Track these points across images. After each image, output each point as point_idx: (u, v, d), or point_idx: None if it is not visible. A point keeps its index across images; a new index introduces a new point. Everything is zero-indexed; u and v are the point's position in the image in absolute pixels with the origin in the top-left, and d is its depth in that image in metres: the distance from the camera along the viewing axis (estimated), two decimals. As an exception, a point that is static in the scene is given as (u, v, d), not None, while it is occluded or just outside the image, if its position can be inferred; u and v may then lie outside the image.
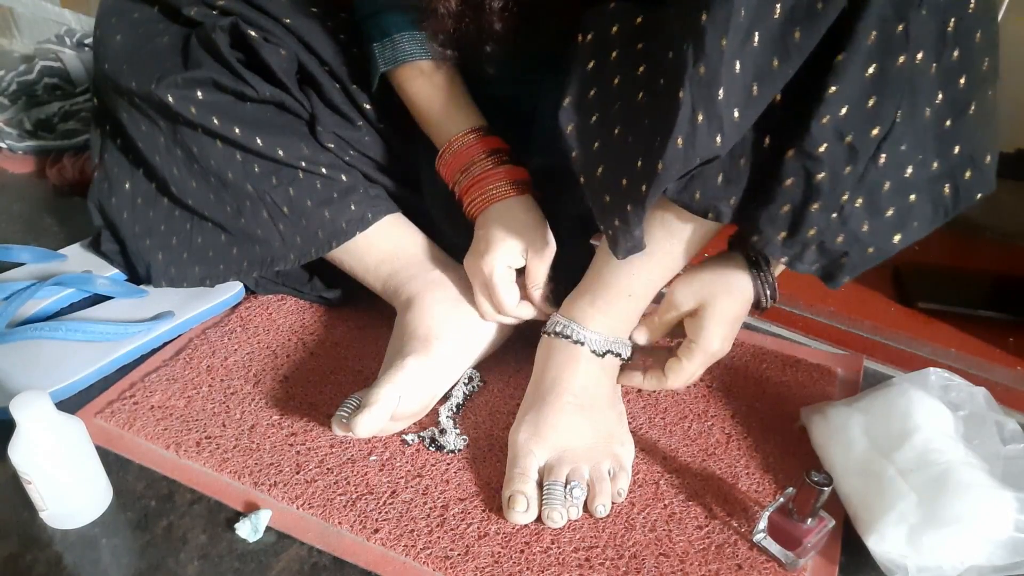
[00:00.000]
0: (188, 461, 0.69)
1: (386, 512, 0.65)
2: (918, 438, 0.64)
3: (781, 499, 0.64)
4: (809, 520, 0.61)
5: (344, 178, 0.81)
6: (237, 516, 0.65)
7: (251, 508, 0.65)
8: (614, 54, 0.61)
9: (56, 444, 0.60)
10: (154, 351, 0.82)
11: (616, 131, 0.60)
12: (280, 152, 0.78)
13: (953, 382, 0.69)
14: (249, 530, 0.63)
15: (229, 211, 0.81)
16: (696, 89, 0.53)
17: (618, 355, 0.71)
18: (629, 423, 0.75)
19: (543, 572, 0.62)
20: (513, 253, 0.74)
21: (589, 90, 0.62)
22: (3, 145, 1.12)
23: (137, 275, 0.88)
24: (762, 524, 0.64)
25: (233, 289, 0.88)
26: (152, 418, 0.73)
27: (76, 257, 0.92)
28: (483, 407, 0.76)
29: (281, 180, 0.79)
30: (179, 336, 0.84)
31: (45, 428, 0.59)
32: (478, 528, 0.65)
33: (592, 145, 0.62)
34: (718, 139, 0.54)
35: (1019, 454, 0.64)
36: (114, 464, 0.68)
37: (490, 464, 0.70)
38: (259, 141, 0.77)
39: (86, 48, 1.23)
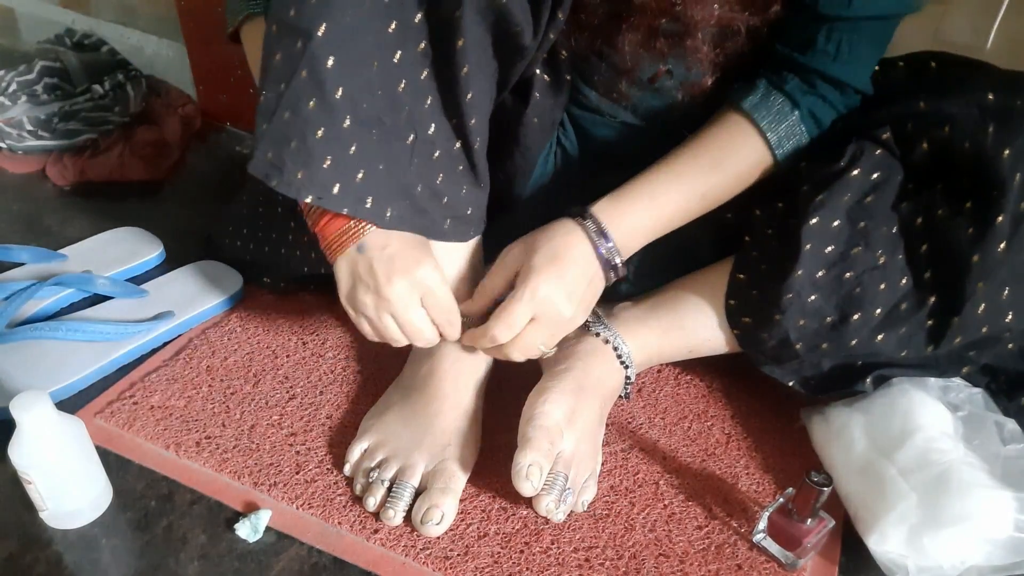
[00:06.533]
0: (188, 461, 0.69)
1: (386, 512, 0.65)
2: (918, 438, 0.64)
3: (781, 499, 0.64)
4: (809, 520, 0.61)
5: None
6: (237, 516, 0.65)
7: (251, 508, 0.65)
8: (869, 199, 0.66)
9: (56, 444, 0.60)
10: (154, 351, 0.81)
11: (847, 274, 0.65)
12: None
13: (953, 383, 0.69)
14: (249, 530, 0.63)
15: None
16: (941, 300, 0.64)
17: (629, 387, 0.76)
18: (629, 423, 0.76)
19: (543, 572, 0.62)
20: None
21: (834, 220, 0.65)
22: (3, 145, 1.12)
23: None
24: (762, 524, 0.64)
25: (233, 289, 0.88)
26: (152, 418, 0.73)
27: (76, 257, 0.92)
28: (483, 409, 0.76)
29: None
30: (179, 336, 0.84)
31: (45, 428, 0.59)
32: (478, 528, 0.65)
33: (817, 272, 0.66)
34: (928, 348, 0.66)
35: (1019, 454, 0.64)
36: (114, 464, 0.68)
37: (489, 466, 0.70)
38: None
39: (86, 48, 1.22)
